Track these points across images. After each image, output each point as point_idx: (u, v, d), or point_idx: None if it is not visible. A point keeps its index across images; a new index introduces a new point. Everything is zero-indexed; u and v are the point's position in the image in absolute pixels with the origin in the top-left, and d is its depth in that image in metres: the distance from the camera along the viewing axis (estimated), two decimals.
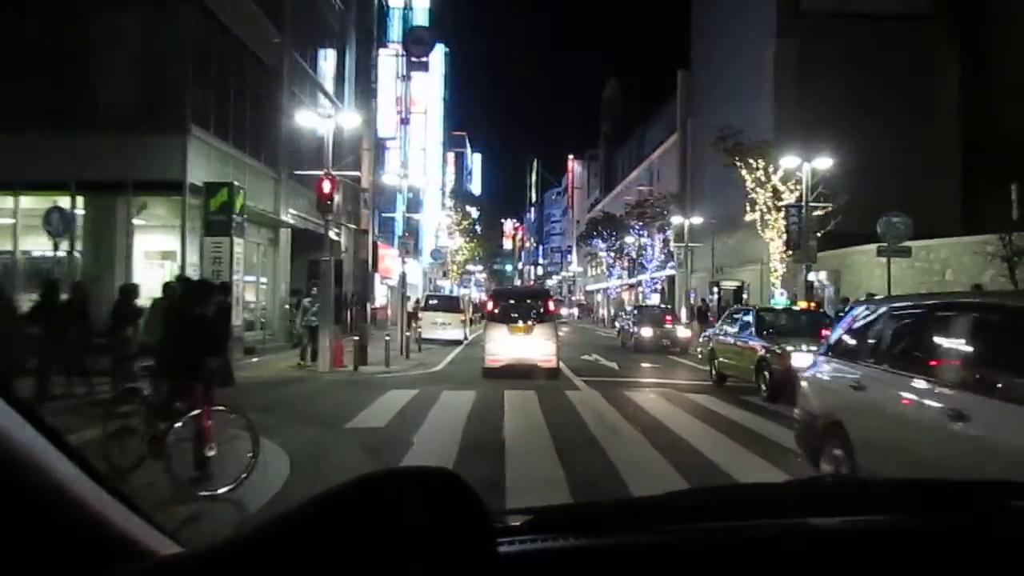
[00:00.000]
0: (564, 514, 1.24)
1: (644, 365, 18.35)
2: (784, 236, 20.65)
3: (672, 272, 40.39)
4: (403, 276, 23.52)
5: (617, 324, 26.26)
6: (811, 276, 21.67)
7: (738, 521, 1.12)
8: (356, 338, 16.31)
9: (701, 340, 17.43)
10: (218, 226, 16.92)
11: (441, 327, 25.84)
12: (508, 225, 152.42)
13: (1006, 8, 27.98)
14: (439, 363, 18.79)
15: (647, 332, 23.13)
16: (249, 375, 14.03)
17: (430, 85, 51.10)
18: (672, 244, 37.03)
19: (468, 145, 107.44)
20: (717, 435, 8.91)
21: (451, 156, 73.96)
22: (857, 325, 5.75)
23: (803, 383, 6.19)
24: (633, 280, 48.76)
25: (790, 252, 19.87)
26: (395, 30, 42.98)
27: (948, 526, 1.11)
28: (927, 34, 30.19)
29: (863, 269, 21.51)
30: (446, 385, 13.50)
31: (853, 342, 5.66)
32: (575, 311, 47.90)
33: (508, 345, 14.88)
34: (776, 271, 22.19)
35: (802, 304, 17.36)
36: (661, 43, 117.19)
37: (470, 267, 76.34)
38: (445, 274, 50.07)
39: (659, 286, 40.51)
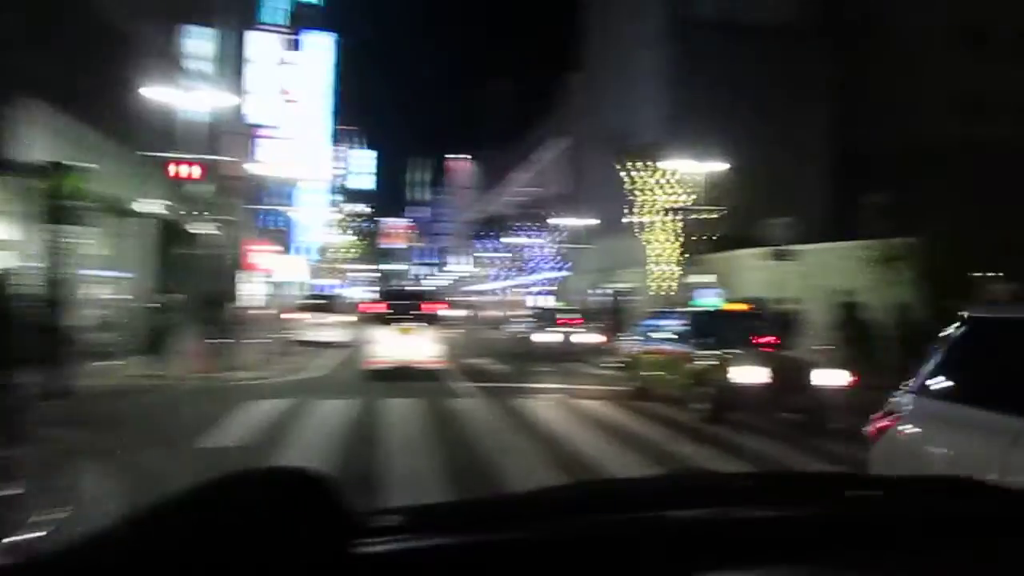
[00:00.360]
0: (432, 512, 1.18)
1: (544, 371, 17.42)
2: (676, 239, 20.59)
3: (563, 273, 40.31)
4: (277, 274, 21.80)
5: (514, 327, 24.04)
6: (697, 278, 21.77)
7: (600, 515, 1.14)
8: (223, 340, 14.67)
9: (619, 346, 14.54)
10: (60, 213, 14.80)
11: (324, 329, 24.26)
12: (399, 223, 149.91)
13: (878, 30, 29.44)
14: (319, 368, 17.39)
15: (551, 337, 20.41)
16: (96, 383, 12.26)
17: (317, 72, 48.86)
18: (561, 246, 36.85)
19: (361, 141, 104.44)
20: (642, 461, 7.77)
21: (342, 151, 71.41)
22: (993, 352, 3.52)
23: (898, 442, 3.78)
24: (523, 281, 48.45)
25: (683, 254, 19.80)
26: (282, 14, 40.66)
27: (793, 516, 1.16)
28: (807, 48, 31.35)
29: (746, 272, 21.81)
30: (323, 393, 12.24)
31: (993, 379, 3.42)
32: (464, 313, 47.17)
33: (394, 346, 14.43)
34: (665, 273, 22.17)
35: (736, 306, 15.13)
36: (553, 45, 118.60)
37: (357, 266, 74.08)
38: (328, 273, 47.99)
39: (550, 287, 40.29)
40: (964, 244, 15.33)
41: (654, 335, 12.47)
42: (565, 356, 19.33)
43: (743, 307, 14.84)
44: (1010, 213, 20.36)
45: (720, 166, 18.43)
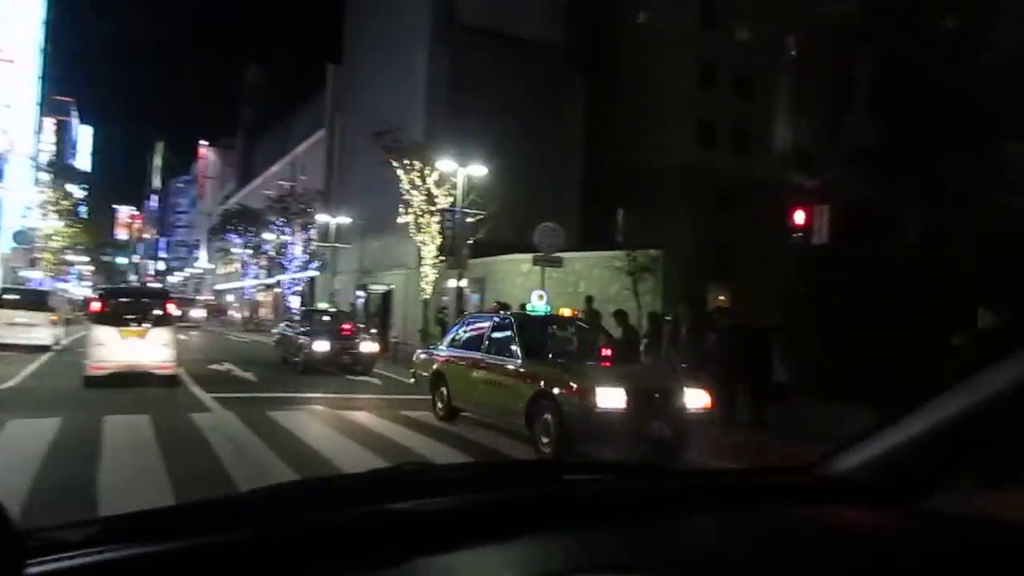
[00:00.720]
0: (123, 523, 1.09)
1: (308, 380, 15.80)
2: (437, 240, 20.13)
3: (315, 273, 38.22)
4: None
5: (278, 331, 21.33)
6: (455, 283, 21.58)
7: (314, 513, 1.11)
8: None
9: (417, 358, 12.10)
10: None
11: (22, 329, 20.27)
12: (123, 212, 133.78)
13: (623, 55, 31.68)
14: (13, 377, 14.26)
15: (322, 345, 17.16)
16: None
17: (18, 26, 41.55)
18: (316, 243, 34.91)
19: (75, 114, 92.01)
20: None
21: (50, 123, 61.99)
22: None
23: None
24: (272, 280, 45.43)
25: (443, 257, 19.36)
26: None
27: (511, 501, 1.22)
28: (562, 64, 32.86)
29: (507, 278, 22.07)
30: (16, 410, 9.80)
31: None
32: (204, 313, 42.99)
33: (118, 349, 13.09)
34: (427, 276, 21.63)
35: (565, 311, 14.46)
36: (311, 34, 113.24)
37: (70, 257, 64.41)
38: (35, 264, 40.96)
39: (300, 288, 37.94)
40: (697, 255, 16.68)
41: (474, 347, 10.08)
42: (344, 368, 17.18)
43: (573, 313, 13.57)
44: (734, 226, 22.80)
45: (481, 169, 18.28)
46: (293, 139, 53.29)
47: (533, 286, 19.69)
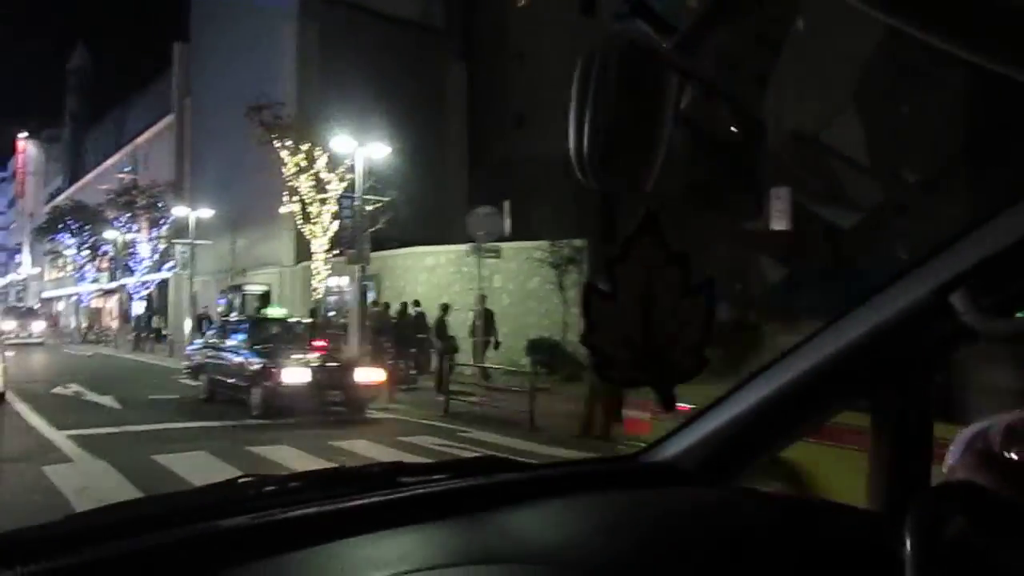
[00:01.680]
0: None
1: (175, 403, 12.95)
2: (330, 232, 17.61)
3: (167, 275, 33.85)
4: None
5: (194, 350, 14.80)
6: (335, 281, 19.23)
7: (139, 535, 1.05)
8: None
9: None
10: None
11: None
12: None
13: (503, 38, 30.07)
14: None
15: (297, 376, 11.07)
16: None
17: None
18: (171, 241, 30.78)
19: None
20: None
21: None
22: None
23: None
24: (113, 284, 40.23)
25: (339, 251, 16.86)
26: None
27: (351, 507, 1.19)
28: (440, 47, 30.81)
29: (407, 274, 19.81)
30: None
31: None
32: (45, 325, 37.29)
33: None
34: (319, 273, 18.90)
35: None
36: (148, 10, 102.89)
37: None
38: None
39: (148, 291, 33.39)
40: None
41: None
42: (330, 405, 11.17)
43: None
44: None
45: (382, 150, 15.95)
46: (133, 127, 47.81)
47: (440, 282, 17.71)
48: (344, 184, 17.58)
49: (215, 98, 32.99)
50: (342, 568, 1.05)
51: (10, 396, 13.27)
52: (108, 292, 43.22)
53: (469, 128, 30.92)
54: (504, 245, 16.34)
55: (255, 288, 20.78)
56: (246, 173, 28.90)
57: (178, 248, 28.75)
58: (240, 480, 1.35)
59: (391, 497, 1.24)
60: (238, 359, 12.13)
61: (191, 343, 16.88)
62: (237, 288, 20.83)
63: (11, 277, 79.94)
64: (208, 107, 34.01)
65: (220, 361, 12.78)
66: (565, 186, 24.35)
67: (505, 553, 1.11)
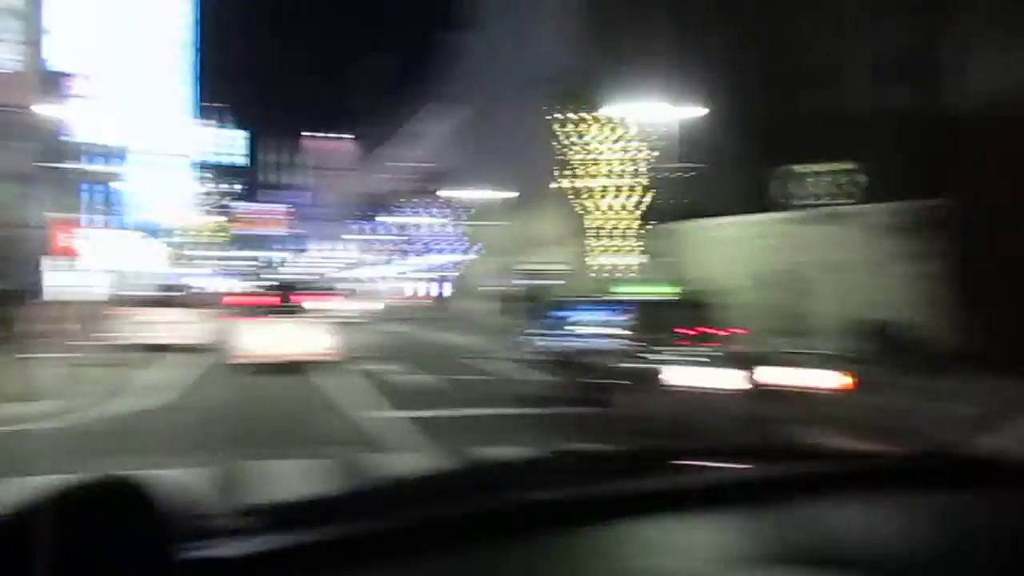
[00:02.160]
0: (297, 508, 1.14)
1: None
2: (634, 205, 16.30)
3: (457, 257, 35.48)
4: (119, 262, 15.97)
5: (538, 336, 11.23)
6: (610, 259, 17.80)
7: (469, 499, 1.14)
8: None
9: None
10: None
11: (165, 327, 18.49)
12: (275, 208, 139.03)
13: None
14: (146, 390, 11.89)
15: (726, 380, 7.39)
16: None
17: (162, 29, 41.48)
18: (461, 224, 31.98)
19: (230, 118, 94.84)
20: None
21: (206, 127, 63.55)
22: None
23: None
24: (413, 265, 43.43)
25: (646, 224, 15.46)
26: None
27: (655, 490, 1.18)
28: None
29: (705, 247, 17.74)
30: (139, 455, 7.10)
31: None
32: (381, 305, 38.15)
33: (272, 340, 13.24)
34: (608, 249, 17.76)
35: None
36: (426, 7, 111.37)
37: (229, 252, 65.94)
38: (191, 260, 41.02)
39: (446, 271, 35.29)
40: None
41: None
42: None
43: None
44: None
45: (697, 112, 14.11)
46: (423, 119, 51.22)
47: (734, 256, 15.48)
48: (652, 154, 16.12)
49: (495, 80, 33.53)
50: (632, 551, 1.02)
51: (341, 372, 13.92)
52: (413, 273, 47.05)
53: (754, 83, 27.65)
54: (840, 209, 13.71)
55: (546, 268, 20.32)
56: (528, 152, 28.87)
57: (468, 229, 29.68)
58: (550, 454, 1.47)
59: (697, 481, 1.22)
60: (622, 351, 8.60)
61: (521, 330, 12.42)
62: (526, 269, 20.56)
63: (333, 262, 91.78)
64: (489, 90, 34.74)
65: (586, 352, 9.35)
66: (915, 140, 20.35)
67: (808, 554, 1.00)
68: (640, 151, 16.24)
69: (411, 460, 6.81)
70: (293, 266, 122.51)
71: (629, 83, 16.56)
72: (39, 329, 23.02)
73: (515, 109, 27.01)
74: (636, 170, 15.64)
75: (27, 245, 24.03)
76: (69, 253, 15.56)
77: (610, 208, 17.44)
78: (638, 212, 15.81)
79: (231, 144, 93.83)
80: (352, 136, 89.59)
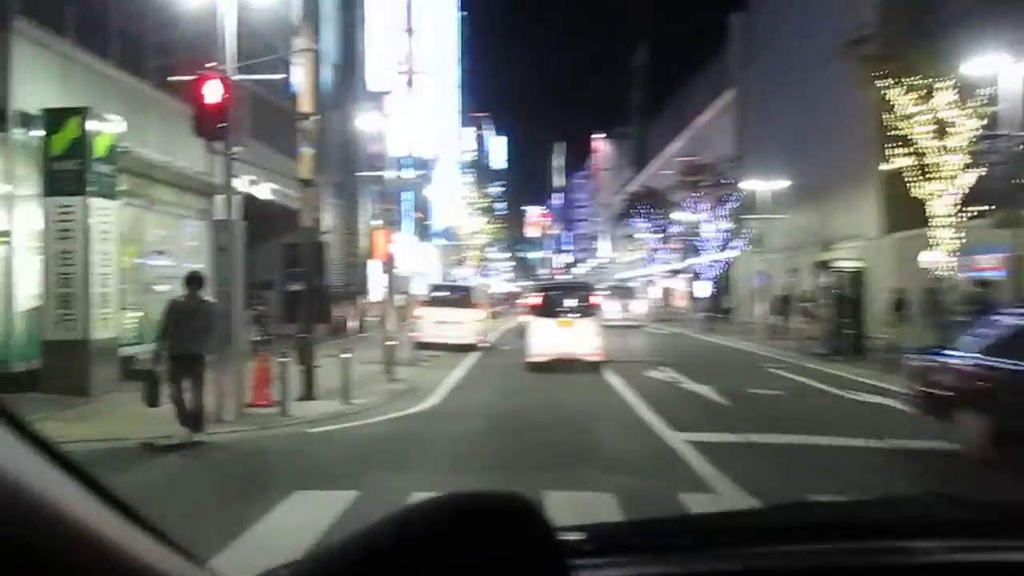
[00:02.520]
0: (623, 533, 1.20)
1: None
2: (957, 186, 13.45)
3: (733, 253, 33.12)
4: (405, 263, 16.81)
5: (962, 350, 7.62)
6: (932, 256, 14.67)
7: (820, 544, 1.08)
8: (285, 359, 9.41)
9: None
10: (64, 179, 10.25)
11: (450, 327, 19.05)
12: (532, 212, 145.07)
13: None
14: (436, 388, 12.01)
15: None
16: (92, 432, 7.55)
17: (441, 42, 44.26)
18: (738, 218, 29.67)
19: (491, 126, 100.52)
20: None
21: (470, 132, 67.37)
22: None
23: None
24: (681, 265, 41.61)
25: (979, 211, 12.64)
26: None
27: None
28: None
29: None
30: (429, 464, 6.75)
31: None
32: (645, 307, 33.79)
33: (554, 339, 14.13)
34: (940, 242, 14.88)
35: None
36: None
37: (491, 254, 69.40)
38: (462, 261, 43.31)
39: (718, 271, 33.13)
40: None
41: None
42: None
43: None
44: None
45: None
46: (692, 111, 49.22)
47: None
48: (980, 123, 13.21)
49: (780, 59, 30.76)
50: None
51: (613, 378, 13.17)
52: (675, 272, 45.39)
53: None
54: None
55: (847, 265, 17.73)
56: (819, 137, 25.98)
57: (749, 224, 27.39)
58: (920, 497, 1.35)
59: None
60: None
61: (923, 349, 8.50)
62: (824, 265, 18.09)
63: (593, 261, 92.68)
64: (773, 71, 32.00)
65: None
66: None
67: None
68: (979, 117, 13.27)
69: (718, 499, 5.56)
70: (554, 267, 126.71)
71: (956, 36, 13.68)
72: (364, 324, 25.44)
73: (805, 92, 24.50)
74: (979, 142, 12.76)
75: (355, 249, 26.81)
76: (387, 256, 16.66)
77: (950, 192, 14.48)
78: (981, 196, 12.87)
79: (494, 149, 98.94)
80: (622, 132, 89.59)
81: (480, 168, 41.70)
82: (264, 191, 18.11)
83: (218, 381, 8.77)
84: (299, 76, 10.95)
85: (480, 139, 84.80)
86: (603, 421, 9.09)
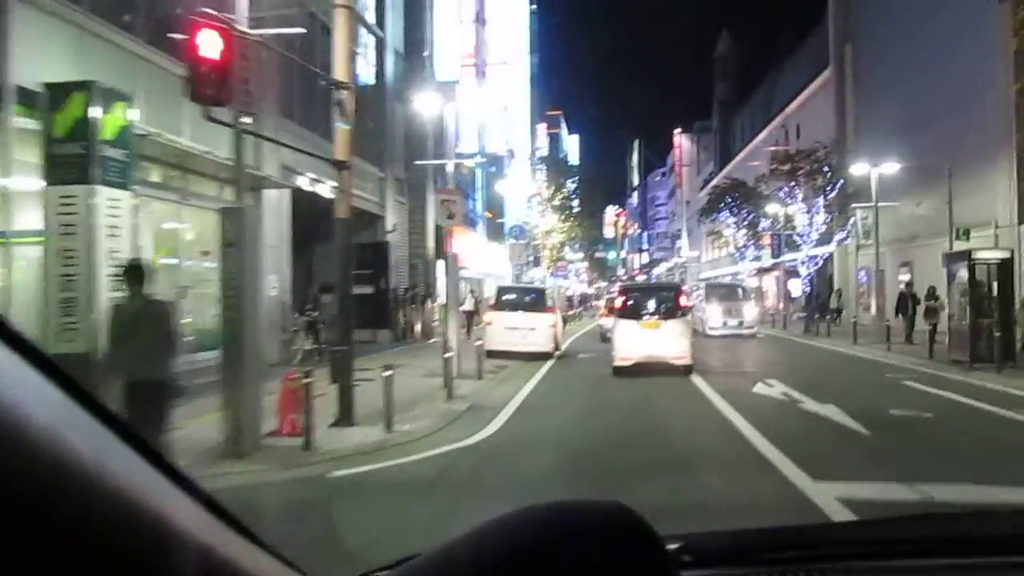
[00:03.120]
0: (727, 544, 1.15)
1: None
2: None
3: (828, 249, 29.96)
4: (452, 258, 15.05)
5: None
6: None
7: (920, 560, 1.08)
8: (308, 379, 7.65)
9: None
10: (66, 165, 8.83)
11: (520, 333, 17.15)
12: (610, 211, 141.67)
13: None
14: (502, 408, 10.10)
15: None
16: None
17: (512, 34, 42.47)
18: (848, 206, 26.55)
19: (564, 125, 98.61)
20: None
21: (543, 129, 65.62)
22: None
23: None
24: (773, 261, 38.43)
25: None
26: None
27: None
28: None
29: None
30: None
31: None
32: (755, 311, 26.06)
33: (640, 342, 13.49)
34: None
35: None
36: None
37: (568, 255, 67.03)
38: (537, 262, 41.41)
39: (816, 266, 29.95)
40: None
41: None
42: None
43: None
44: None
45: None
46: (780, 98, 45.97)
47: None
48: None
49: (892, 28, 27.53)
50: None
51: (714, 396, 10.99)
52: (764, 270, 42.16)
53: None
54: None
55: (989, 256, 14.85)
56: (938, 111, 22.86)
57: (858, 213, 24.39)
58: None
59: None
60: None
61: None
62: (960, 256, 15.23)
63: (675, 260, 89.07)
64: (882, 42, 28.74)
65: None
66: None
67: None
68: None
69: None
70: (633, 268, 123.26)
71: None
72: (430, 330, 23.98)
73: (931, 51, 21.56)
74: None
75: (422, 250, 25.34)
76: (451, 255, 15.05)
77: None
78: None
79: (568, 148, 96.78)
80: (703, 126, 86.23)
81: (554, 165, 39.49)
82: (326, 189, 16.74)
83: (230, 405, 7.14)
84: (335, 37, 9.21)
85: (553, 137, 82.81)
86: (713, 463, 6.94)
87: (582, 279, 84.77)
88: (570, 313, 37.55)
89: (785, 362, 16.60)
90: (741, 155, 54.62)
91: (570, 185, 41.60)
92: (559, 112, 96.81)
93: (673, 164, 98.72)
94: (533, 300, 18.35)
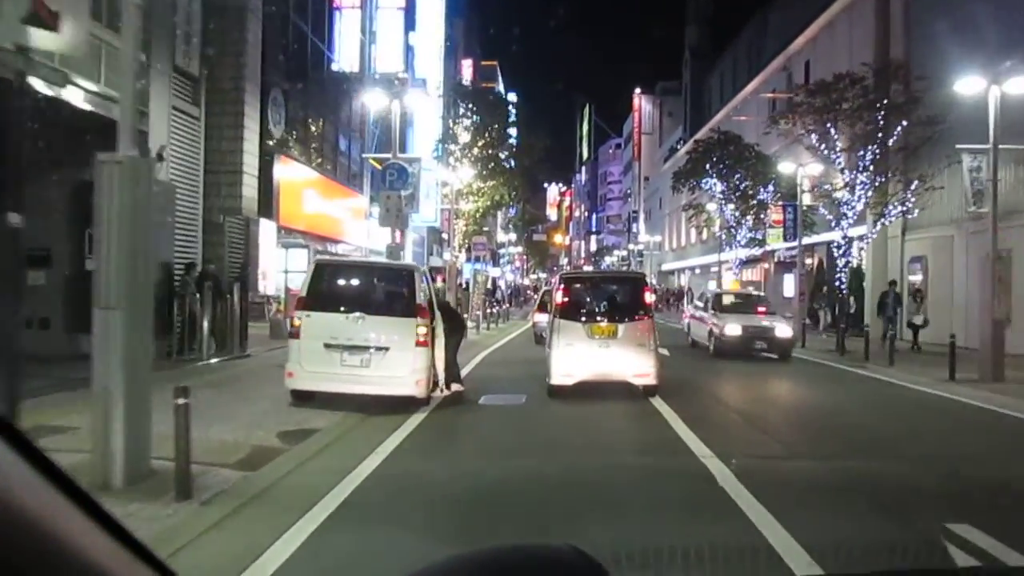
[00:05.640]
0: None
1: None
2: None
3: (861, 230, 22.97)
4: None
5: None
6: None
7: None
8: None
9: None
10: None
11: (354, 358, 9.34)
12: (552, 190, 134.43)
13: None
14: None
15: None
16: None
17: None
18: (884, 169, 19.37)
19: (500, 79, 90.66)
20: None
21: (469, 65, 57.84)
22: None
23: None
24: (761, 250, 31.55)
25: None
26: None
27: None
28: None
29: None
30: None
31: None
32: (785, 329, 17.92)
33: (587, 353, 11.30)
34: None
35: None
36: None
37: (500, 237, 59.23)
38: (442, 242, 33.49)
39: (847, 256, 22.71)
40: None
41: None
42: None
43: None
44: None
45: None
46: (776, 38, 39.53)
47: None
48: None
49: None
50: None
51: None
52: (747, 262, 35.28)
53: None
54: None
55: None
56: None
57: (965, 160, 17.12)
58: None
59: None
60: None
61: None
62: None
63: (628, 247, 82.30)
64: None
65: None
66: None
67: None
68: None
69: None
70: (575, 255, 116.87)
71: None
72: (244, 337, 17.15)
73: None
74: None
75: (235, 203, 17.34)
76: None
77: None
78: None
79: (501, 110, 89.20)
80: (656, 94, 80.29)
81: (478, 98, 31.40)
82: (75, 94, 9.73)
83: None
84: None
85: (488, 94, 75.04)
86: None
87: (516, 267, 77.62)
88: (493, 312, 29.98)
89: (859, 427, 9.09)
90: (722, 112, 47.87)
91: (510, 133, 33.54)
92: (494, 63, 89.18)
93: (631, 133, 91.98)
94: (387, 292, 10.34)
